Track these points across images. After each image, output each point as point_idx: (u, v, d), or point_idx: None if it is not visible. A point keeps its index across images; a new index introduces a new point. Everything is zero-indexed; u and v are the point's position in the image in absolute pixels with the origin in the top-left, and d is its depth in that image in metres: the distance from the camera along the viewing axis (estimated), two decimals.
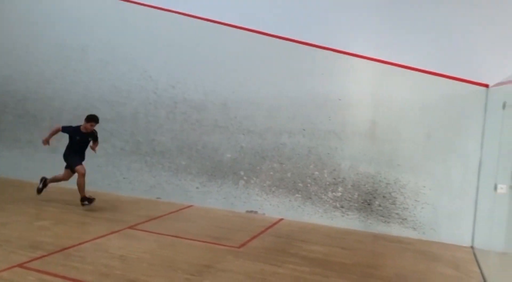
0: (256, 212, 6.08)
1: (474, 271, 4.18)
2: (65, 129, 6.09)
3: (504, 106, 3.95)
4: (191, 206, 6.43)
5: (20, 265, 3.78)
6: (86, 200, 5.92)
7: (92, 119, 5.93)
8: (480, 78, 4.86)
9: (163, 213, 5.93)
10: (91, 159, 7.30)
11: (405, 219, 5.24)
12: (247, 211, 6.12)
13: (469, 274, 4.08)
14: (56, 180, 6.31)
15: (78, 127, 6.05)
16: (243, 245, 4.66)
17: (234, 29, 6.13)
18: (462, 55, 4.96)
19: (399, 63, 5.23)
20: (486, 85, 4.85)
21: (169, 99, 6.63)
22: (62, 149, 7.57)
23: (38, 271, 3.66)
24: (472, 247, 4.93)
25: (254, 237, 4.95)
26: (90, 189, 7.21)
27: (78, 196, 6.03)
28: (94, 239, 4.61)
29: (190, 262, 4.05)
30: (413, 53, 5.18)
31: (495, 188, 3.91)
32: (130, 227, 5.16)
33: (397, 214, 5.28)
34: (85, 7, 7.35)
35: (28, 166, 7.96)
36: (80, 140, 6.08)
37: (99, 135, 7.11)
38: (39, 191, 6.31)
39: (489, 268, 4.04)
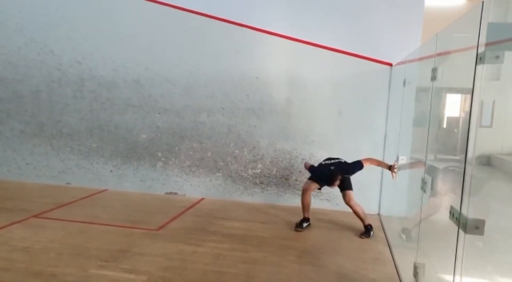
0: (176, 193, 5.94)
1: (380, 236, 4.59)
2: None
3: (404, 83, 4.31)
4: (105, 190, 6.05)
5: None
6: None
7: None
8: (385, 57, 5.23)
9: (73, 199, 5.49)
10: None
11: (320, 192, 5.53)
12: (166, 193, 5.96)
13: (376, 239, 4.47)
14: None
15: None
16: (161, 227, 4.53)
17: (147, 2, 5.74)
18: (370, 36, 5.27)
19: (313, 42, 5.40)
20: (390, 64, 5.24)
21: (76, 76, 6.05)
22: None
23: None
24: (378, 215, 5.41)
25: (173, 219, 4.84)
26: None
27: None
28: None
29: (104, 248, 3.82)
30: (326, 33, 5.38)
31: (397, 159, 4.31)
32: (35, 216, 4.69)
33: None
34: None
35: None
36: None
37: None
38: None
39: (392, 232, 4.48)
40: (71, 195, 5.67)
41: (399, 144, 4.45)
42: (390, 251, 4.11)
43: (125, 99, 5.94)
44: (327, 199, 5.54)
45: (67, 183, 6.24)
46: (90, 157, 6.13)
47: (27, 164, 6.34)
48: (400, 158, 4.31)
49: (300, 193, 5.48)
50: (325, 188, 5.47)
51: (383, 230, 4.81)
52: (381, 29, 5.24)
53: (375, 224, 4.97)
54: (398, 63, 4.96)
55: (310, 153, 5.52)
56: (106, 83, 5.97)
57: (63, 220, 4.61)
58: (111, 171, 6.09)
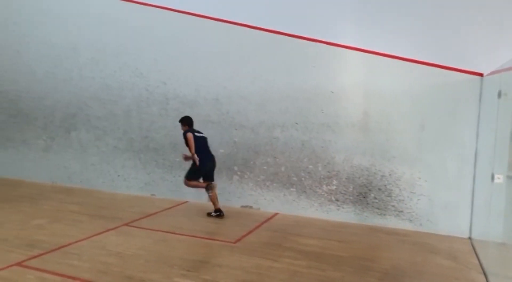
0: (251, 207, 6.06)
1: (472, 262, 4.17)
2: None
3: (499, 95, 3.92)
4: (186, 202, 6.40)
5: (19, 264, 3.77)
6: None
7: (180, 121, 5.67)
8: (474, 67, 4.83)
9: (158, 209, 5.90)
10: (86, 157, 7.27)
11: (401, 211, 5.23)
12: (242, 206, 6.10)
13: (468, 266, 4.07)
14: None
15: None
16: (238, 240, 4.64)
17: (223, 23, 6.07)
18: (455, 44, 4.92)
19: (391, 54, 5.20)
20: (481, 74, 4.82)
21: (161, 96, 6.57)
22: (56, 148, 7.52)
23: (37, 269, 3.65)
24: (470, 238, 4.92)
25: (249, 232, 4.94)
26: (84, 187, 7.19)
27: (71, 194, 5.97)
28: (91, 237, 4.58)
29: (186, 258, 4.03)
30: (404, 43, 5.15)
31: (492, 178, 3.89)
32: (126, 224, 5.13)
33: (393, 206, 5.27)
34: (74, 5, 7.25)
35: (22, 165, 7.91)
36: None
37: (93, 134, 7.09)
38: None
39: (488, 259, 4.03)
40: (156, 205, 6.10)
41: (494, 161, 4.03)
42: (486, 280, 3.70)
43: (205, 116, 6.27)
44: (409, 219, 5.21)
45: (152, 194, 6.73)
46: (173, 170, 6.56)
47: (118, 176, 6.99)
48: (496, 176, 3.90)
49: (380, 212, 5.26)
50: (408, 208, 5.18)
51: (477, 255, 4.35)
52: (468, 35, 4.86)
53: (465, 248, 4.54)
54: (491, 73, 4.53)
55: (390, 170, 5.26)
56: (188, 102, 6.38)
57: (149, 229, 4.97)
58: None
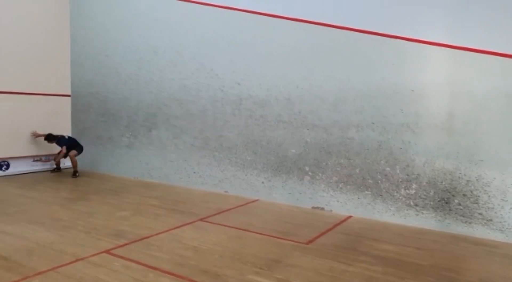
0: (322, 209, 5.96)
1: None
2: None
3: None
4: (257, 200, 6.51)
5: (107, 251, 4.12)
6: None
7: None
8: None
9: (231, 206, 6.08)
10: (165, 154, 7.74)
11: (490, 220, 4.77)
12: (313, 207, 6.03)
13: None
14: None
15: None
16: (311, 241, 4.59)
17: (296, 22, 6.04)
18: None
19: (480, 48, 4.76)
20: None
21: (235, 96, 6.75)
22: (138, 145, 8.13)
23: (122, 257, 3.96)
24: None
25: (322, 234, 4.86)
26: (163, 183, 7.67)
27: (151, 189, 6.37)
28: (169, 230, 4.86)
29: (258, 256, 4.08)
30: (495, 36, 4.67)
31: None
32: (201, 219, 5.36)
33: (480, 214, 4.83)
34: (155, 11, 7.76)
35: (108, 160, 8.67)
36: None
37: (171, 132, 7.59)
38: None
39: None
40: (229, 202, 6.28)
41: None
42: None
43: (277, 116, 6.31)
44: (500, 229, 4.73)
45: (225, 191, 6.95)
46: (245, 168, 6.71)
47: (194, 172, 7.33)
48: None
49: (465, 219, 4.88)
50: (499, 217, 4.72)
51: None
52: None
53: None
54: None
55: (477, 174, 4.83)
56: (260, 102, 6.48)
57: (223, 225, 5.13)
58: (262, 182, 6.53)
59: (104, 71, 8.65)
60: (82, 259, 3.89)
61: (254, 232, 4.88)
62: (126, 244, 4.34)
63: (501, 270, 3.90)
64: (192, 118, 7.30)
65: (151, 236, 4.63)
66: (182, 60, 7.38)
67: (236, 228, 5.01)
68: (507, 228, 4.68)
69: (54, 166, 8.89)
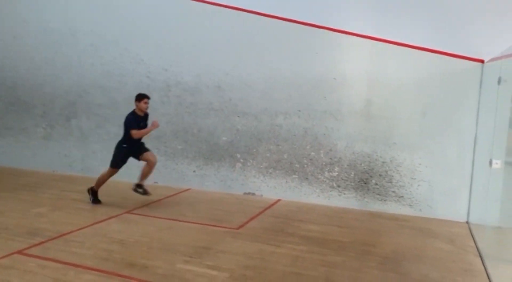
0: (253, 194, 6.10)
1: (469, 245, 4.25)
2: (133, 125, 5.38)
3: (499, 81, 3.93)
4: (188, 189, 6.44)
5: (20, 252, 3.79)
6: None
7: (144, 95, 5.43)
8: (475, 54, 4.82)
9: (160, 197, 5.94)
10: (87, 145, 7.26)
11: (402, 196, 5.28)
12: (245, 193, 6.14)
13: (465, 249, 4.15)
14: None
15: (133, 112, 5.45)
16: (241, 226, 4.69)
17: (225, 9, 6.00)
18: (457, 31, 4.90)
19: (394, 40, 5.17)
20: (482, 61, 4.82)
21: (163, 83, 6.54)
22: (55, 135, 7.50)
23: (38, 257, 3.68)
24: (467, 222, 5.00)
25: (252, 218, 4.99)
26: (85, 176, 7.20)
27: (72, 182, 5.97)
28: (93, 224, 4.62)
29: (189, 244, 4.07)
30: (408, 30, 5.12)
31: (490, 164, 3.94)
32: (128, 212, 5.17)
33: (393, 192, 5.32)
34: None
35: (22, 154, 7.89)
36: (143, 126, 5.50)
37: (93, 121, 7.04)
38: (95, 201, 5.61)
39: (484, 242, 4.11)
40: (159, 193, 6.12)
41: (493, 146, 4.06)
42: (482, 262, 3.78)
43: (207, 104, 6.26)
44: (409, 204, 5.26)
45: (155, 182, 6.74)
46: (175, 158, 6.58)
47: None
48: (494, 162, 3.94)
49: (380, 197, 5.31)
50: (408, 193, 5.22)
51: (473, 239, 4.43)
52: (469, 22, 4.83)
53: (463, 232, 4.62)
54: (492, 60, 4.52)
55: (391, 156, 5.29)
56: (190, 89, 6.36)
57: (152, 217, 5.00)
58: (194, 171, 6.47)
59: (13, 55, 7.78)
60: None
61: (185, 221, 4.84)
62: (42, 243, 4.03)
63: (409, 241, 4.36)
64: (117, 106, 6.92)
65: (72, 232, 4.36)
66: (103, 44, 6.92)
67: (166, 219, 4.92)
68: (415, 203, 5.23)
69: None
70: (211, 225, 4.71)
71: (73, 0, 7.14)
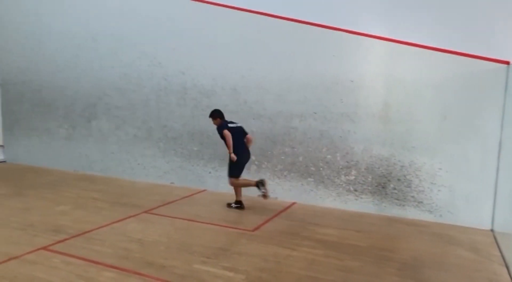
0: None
1: (494, 254, 4.10)
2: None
3: None
4: (204, 190, 6.48)
5: (45, 248, 3.90)
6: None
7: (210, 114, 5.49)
8: (500, 55, 4.67)
9: (177, 197, 6.00)
10: (106, 146, 7.42)
11: (421, 202, 5.18)
12: (259, 195, 6.12)
13: (490, 258, 4.00)
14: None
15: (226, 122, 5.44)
16: (256, 228, 4.68)
17: (241, 12, 6.03)
18: (480, 31, 4.77)
19: (413, 42, 5.09)
20: (507, 62, 4.68)
21: (179, 86, 6.62)
22: (77, 136, 7.69)
23: (62, 253, 3.78)
24: (492, 230, 4.83)
25: (267, 221, 4.98)
26: (105, 175, 7.35)
27: (93, 182, 6.09)
28: (112, 223, 4.70)
29: (205, 245, 4.09)
30: (428, 31, 5.02)
31: None
32: (146, 212, 5.24)
33: (412, 197, 5.22)
34: None
35: (45, 153, 8.12)
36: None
37: (112, 122, 7.19)
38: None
39: (511, 251, 3.96)
40: (175, 194, 6.19)
41: None
42: (509, 272, 3.65)
43: (223, 106, 6.26)
44: (429, 210, 5.15)
45: (171, 183, 6.83)
46: (191, 159, 6.64)
47: (138, 164, 7.11)
48: None
49: (399, 202, 5.23)
50: (428, 198, 5.12)
51: (499, 248, 4.28)
52: (494, 21, 4.70)
53: (487, 240, 4.47)
54: None
55: (410, 160, 5.20)
56: (206, 92, 6.41)
57: (169, 217, 5.06)
58: (209, 173, 6.51)
59: (38, 58, 8.03)
60: (16, 257, 3.66)
61: (201, 222, 4.87)
62: (65, 240, 4.13)
63: (429, 247, 4.25)
64: (135, 108, 7.05)
65: (93, 230, 4.45)
66: (122, 48, 7.06)
67: (183, 219, 4.96)
68: (435, 209, 5.11)
69: None
70: (226, 227, 4.73)
71: (94, 6, 7.32)
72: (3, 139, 8.73)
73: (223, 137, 5.26)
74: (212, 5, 6.25)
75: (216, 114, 5.44)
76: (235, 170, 5.38)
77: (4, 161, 8.65)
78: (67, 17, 7.61)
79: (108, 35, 7.19)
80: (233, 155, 5.23)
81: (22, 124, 8.35)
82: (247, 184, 5.39)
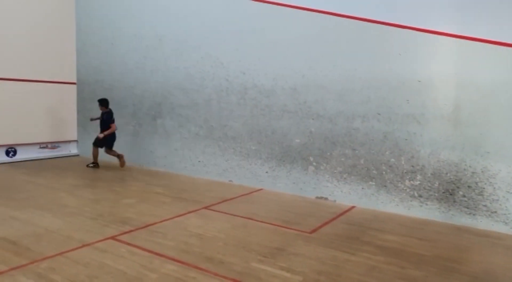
0: (326, 199, 5.98)
1: None
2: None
3: None
4: (261, 189, 6.54)
5: (113, 238, 4.18)
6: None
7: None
8: None
9: (235, 195, 6.12)
10: (170, 143, 7.78)
11: (495, 212, 4.77)
12: (317, 197, 6.05)
13: None
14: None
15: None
16: (314, 230, 4.62)
17: (302, 11, 5.99)
18: None
19: (486, 38, 4.69)
20: None
21: (240, 86, 6.74)
22: (143, 133, 8.16)
23: (128, 244, 4.02)
24: None
25: (325, 223, 4.89)
26: (168, 171, 7.72)
27: (156, 177, 6.40)
28: (174, 218, 4.91)
29: (262, 244, 4.12)
30: (502, 26, 4.60)
31: None
32: (206, 207, 5.40)
33: (485, 206, 4.83)
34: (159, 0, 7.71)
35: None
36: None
37: (176, 121, 7.54)
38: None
39: None
40: (233, 191, 6.32)
41: None
42: None
43: (282, 106, 6.30)
44: (504, 221, 4.73)
45: (230, 180, 6.98)
46: (249, 158, 6.73)
47: (199, 161, 7.37)
48: None
49: (469, 211, 4.88)
50: (503, 209, 4.71)
51: None
52: None
53: None
54: None
55: (483, 166, 4.81)
56: (266, 91, 6.46)
57: (227, 213, 5.17)
58: (266, 172, 6.56)
59: (110, 59, 8.65)
60: (88, 244, 3.96)
61: (258, 221, 4.91)
62: (131, 231, 4.39)
63: (504, 262, 3.91)
64: (197, 107, 7.31)
65: (156, 223, 4.69)
66: (187, 49, 7.36)
67: (240, 217, 5.05)
68: (510, 220, 4.68)
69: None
70: (283, 227, 4.72)
71: (161, 9, 7.71)
72: (78, 135, 9.53)
73: (108, 124, 7.67)
74: (272, 5, 6.28)
75: (106, 103, 7.76)
76: (111, 144, 7.87)
77: (78, 155, 9.44)
78: (137, 21, 8.10)
79: (173, 37, 7.53)
80: (102, 135, 7.67)
81: (95, 121, 9.04)
82: (115, 154, 7.94)
